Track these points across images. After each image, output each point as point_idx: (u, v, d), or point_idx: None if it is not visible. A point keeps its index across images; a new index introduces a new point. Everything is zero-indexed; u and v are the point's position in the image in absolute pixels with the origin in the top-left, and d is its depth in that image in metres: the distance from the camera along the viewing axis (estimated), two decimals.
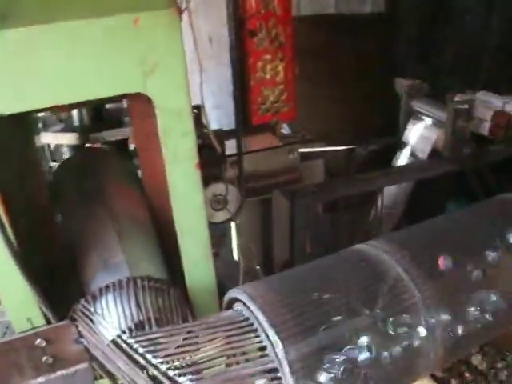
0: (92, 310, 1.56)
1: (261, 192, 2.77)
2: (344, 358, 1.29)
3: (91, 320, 1.55)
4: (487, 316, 1.57)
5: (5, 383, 1.40)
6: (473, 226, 1.88)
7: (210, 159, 2.14)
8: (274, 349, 1.28)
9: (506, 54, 3.62)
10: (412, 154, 3.28)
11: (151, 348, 1.36)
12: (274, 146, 2.87)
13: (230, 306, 1.52)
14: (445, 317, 1.51)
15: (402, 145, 3.35)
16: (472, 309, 1.57)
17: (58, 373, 1.43)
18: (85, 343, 1.52)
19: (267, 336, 1.31)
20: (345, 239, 3.38)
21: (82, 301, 1.59)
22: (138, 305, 1.57)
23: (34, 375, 1.41)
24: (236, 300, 1.47)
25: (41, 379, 1.41)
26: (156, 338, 1.40)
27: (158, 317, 1.58)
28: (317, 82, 3.92)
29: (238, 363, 1.33)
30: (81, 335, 1.54)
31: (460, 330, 1.54)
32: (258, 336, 1.35)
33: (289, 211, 2.76)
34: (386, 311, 1.43)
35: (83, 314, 1.57)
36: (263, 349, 1.32)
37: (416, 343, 1.44)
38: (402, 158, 3.33)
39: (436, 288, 1.54)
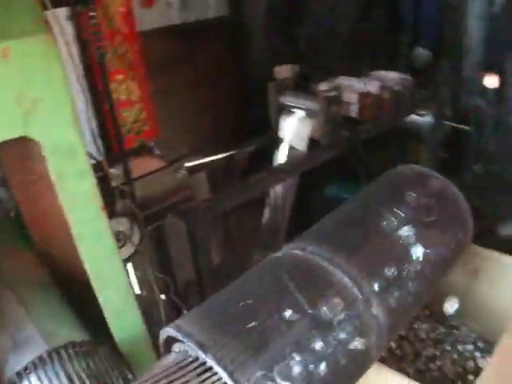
0: None
1: (155, 218, 2.60)
2: (301, 368, 1.27)
3: None
4: (412, 283, 1.64)
5: None
6: (373, 201, 1.94)
7: (104, 193, 1.93)
8: None
9: (355, 40, 3.83)
10: (291, 148, 3.32)
11: None
12: (160, 167, 2.71)
13: (167, 344, 1.38)
14: (376, 289, 1.52)
15: (279, 141, 3.37)
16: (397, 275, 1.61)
17: None
18: None
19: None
20: (240, 243, 3.36)
21: None
22: (69, 378, 1.35)
23: None
24: (173, 339, 1.33)
25: None
26: None
27: None
28: (176, 94, 3.82)
29: None
30: None
31: (394, 298, 1.56)
32: (215, 373, 1.25)
33: (186, 232, 2.64)
34: (321, 304, 1.40)
35: None
36: None
37: (358, 327, 1.42)
38: (282, 154, 3.36)
39: (359, 264, 1.55)
